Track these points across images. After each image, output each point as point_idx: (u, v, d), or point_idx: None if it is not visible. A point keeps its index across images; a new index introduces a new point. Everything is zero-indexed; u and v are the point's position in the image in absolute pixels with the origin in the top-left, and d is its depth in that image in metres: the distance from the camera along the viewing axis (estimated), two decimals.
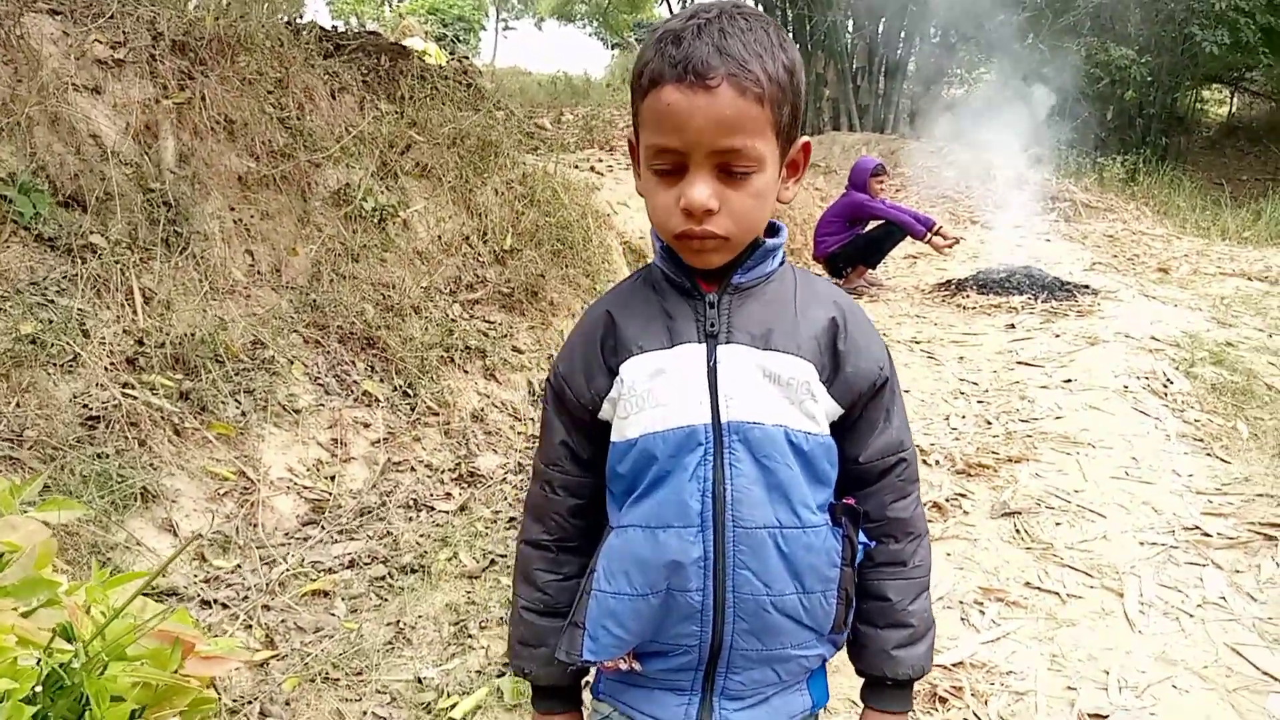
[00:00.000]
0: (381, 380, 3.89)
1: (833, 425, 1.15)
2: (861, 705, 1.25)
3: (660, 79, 1.01)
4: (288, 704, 2.31)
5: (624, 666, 1.17)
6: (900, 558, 1.20)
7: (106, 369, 3.04)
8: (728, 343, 1.10)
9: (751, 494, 1.07)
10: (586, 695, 1.30)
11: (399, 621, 2.72)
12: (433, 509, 3.42)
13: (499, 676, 2.47)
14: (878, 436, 1.18)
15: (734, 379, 1.09)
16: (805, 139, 1.13)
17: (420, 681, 2.46)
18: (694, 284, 1.13)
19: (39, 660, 1.25)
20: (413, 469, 3.63)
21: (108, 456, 2.81)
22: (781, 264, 1.18)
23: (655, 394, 1.10)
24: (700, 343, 1.10)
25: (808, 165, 1.16)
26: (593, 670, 1.26)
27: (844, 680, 2.14)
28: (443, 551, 3.11)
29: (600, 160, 7.86)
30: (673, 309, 1.13)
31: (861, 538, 1.18)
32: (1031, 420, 4.28)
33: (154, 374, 3.14)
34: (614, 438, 1.15)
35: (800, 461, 1.10)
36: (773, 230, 1.16)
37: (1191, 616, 2.71)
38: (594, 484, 1.21)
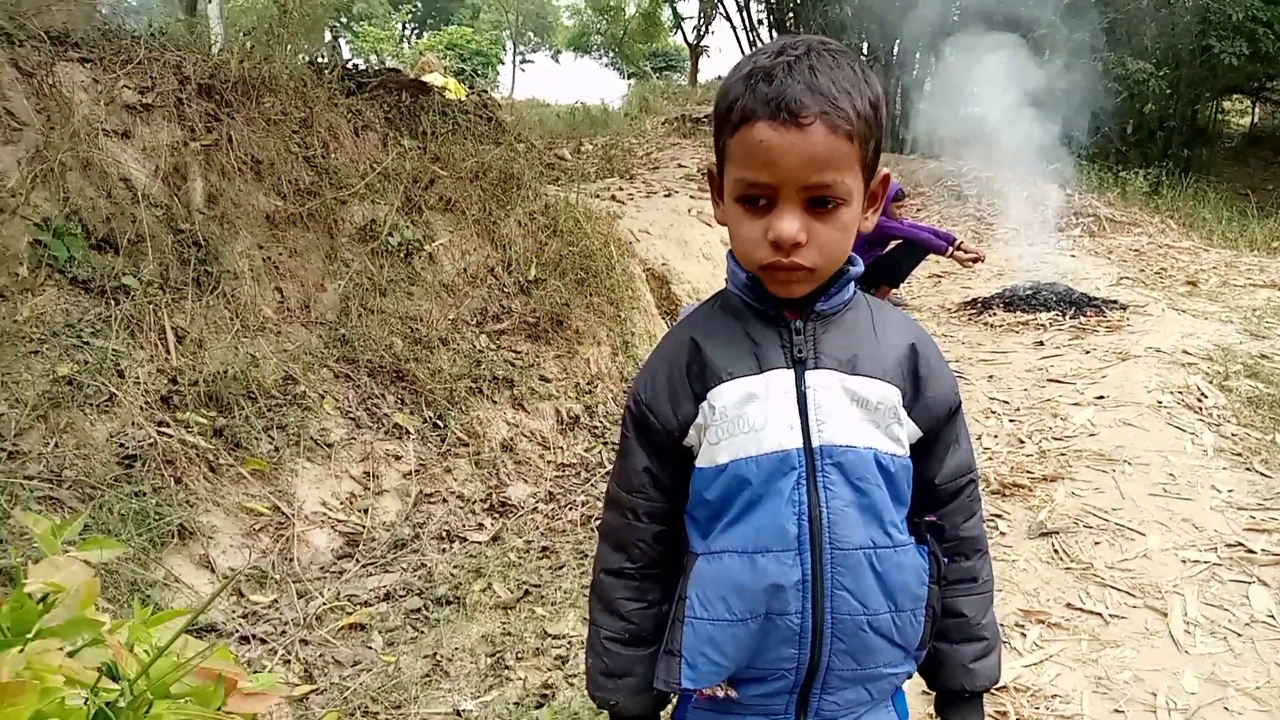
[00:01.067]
0: (411, 412, 3.91)
1: (910, 448, 1.18)
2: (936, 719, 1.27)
3: (752, 116, 1.03)
4: None
5: (720, 694, 1.17)
6: (972, 574, 1.24)
7: (142, 408, 3.07)
8: (816, 368, 1.13)
9: (847, 516, 1.10)
10: None
11: (436, 654, 2.72)
12: (465, 540, 3.42)
13: (537, 708, 2.46)
14: (951, 458, 1.22)
15: (824, 403, 1.11)
16: (884, 170, 1.15)
17: (459, 714, 2.45)
18: (779, 311, 1.15)
19: (86, 700, 1.26)
20: (444, 500, 3.64)
21: (145, 494, 2.84)
22: (855, 292, 1.20)
23: (747, 419, 1.11)
24: (789, 368, 1.13)
25: (885, 195, 1.18)
26: (674, 699, 1.27)
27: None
28: (477, 583, 3.11)
29: (621, 189, 7.90)
30: (758, 335, 1.15)
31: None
32: (1065, 438, 4.23)
33: (188, 412, 3.17)
34: (700, 463, 1.15)
35: (887, 483, 1.12)
36: (849, 260, 1.18)
37: (1240, 635, 2.66)
38: (676, 510, 1.22)
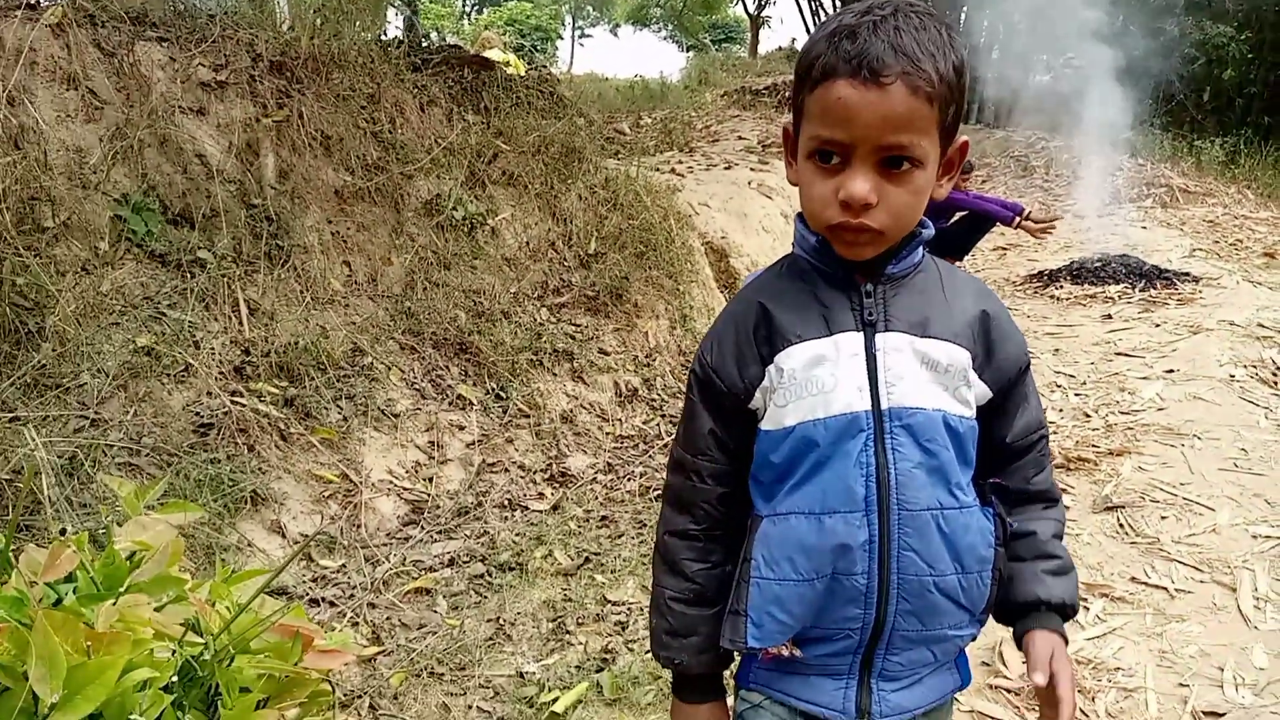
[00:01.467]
0: (474, 384, 3.98)
1: (978, 408, 1.17)
2: (1021, 642, 1.23)
3: (833, 73, 1.02)
4: (395, 698, 2.39)
5: (785, 653, 1.18)
6: (1043, 517, 1.24)
7: (216, 378, 3.17)
8: (886, 330, 1.12)
9: (915, 478, 1.09)
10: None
11: (499, 618, 2.78)
12: (527, 509, 3.49)
13: (598, 671, 2.51)
14: (1021, 416, 1.20)
15: (894, 366, 1.11)
16: (964, 138, 1.13)
17: (522, 676, 2.51)
18: (848, 273, 1.14)
19: (173, 652, 1.32)
20: (506, 470, 3.70)
21: (219, 461, 2.94)
22: (925, 255, 1.20)
23: (815, 382, 1.11)
24: (858, 331, 1.12)
25: (962, 163, 1.16)
26: (737, 659, 1.28)
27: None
28: (538, 550, 3.17)
29: (680, 162, 7.88)
30: (826, 298, 1.14)
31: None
32: (1132, 412, 4.16)
33: (260, 382, 3.27)
34: (766, 426, 1.16)
35: (954, 444, 1.12)
36: (920, 224, 1.17)
37: None
38: (740, 473, 1.21)
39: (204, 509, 2.71)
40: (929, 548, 1.10)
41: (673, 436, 1.32)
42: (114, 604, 1.31)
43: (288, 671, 1.46)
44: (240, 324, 3.39)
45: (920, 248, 1.17)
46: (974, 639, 1.20)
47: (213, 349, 3.24)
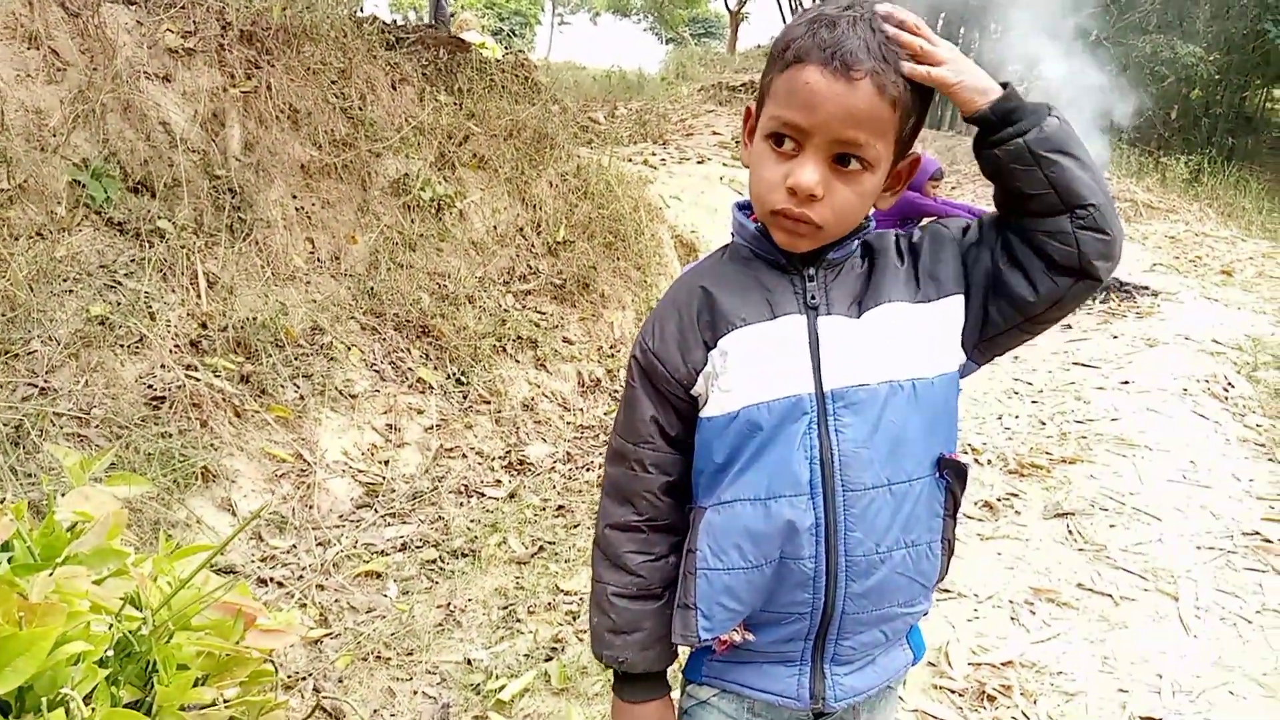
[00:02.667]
0: (435, 368, 3.95)
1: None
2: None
3: (806, 57, 1.01)
4: (340, 681, 2.37)
5: (737, 639, 1.17)
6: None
7: (171, 351, 3.12)
8: (829, 314, 1.11)
9: (860, 456, 1.08)
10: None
11: (449, 604, 2.77)
12: (483, 495, 3.47)
13: (546, 660, 2.50)
14: (989, 226, 1.14)
15: (837, 346, 1.10)
16: (916, 153, 1.13)
17: (469, 663, 2.50)
18: (790, 259, 1.13)
19: (110, 626, 1.30)
20: (464, 455, 3.68)
21: (171, 436, 2.89)
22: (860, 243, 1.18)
23: (759, 365, 1.10)
24: (802, 314, 1.12)
25: (912, 178, 1.15)
26: (684, 654, 1.26)
27: None
28: (492, 537, 3.15)
29: (654, 154, 7.88)
30: (769, 282, 1.14)
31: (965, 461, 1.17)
32: (1087, 421, 4.21)
33: (216, 357, 3.22)
34: (710, 412, 1.14)
35: (912, 409, 1.09)
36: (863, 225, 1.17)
37: (1250, 623, 2.66)
38: (682, 461, 1.20)
39: (152, 483, 2.67)
40: (875, 526, 1.09)
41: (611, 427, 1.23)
42: (50, 575, 1.28)
43: (228, 650, 1.43)
44: (198, 297, 3.34)
45: (854, 239, 1.15)
46: (925, 614, 1.20)
47: (169, 321, 3.19)
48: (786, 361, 1.10)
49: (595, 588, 1.26)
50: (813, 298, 1.12)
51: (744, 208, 1.17)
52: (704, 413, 1.15)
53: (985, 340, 1.15)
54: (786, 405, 1.09)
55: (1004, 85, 1.08)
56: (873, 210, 1.15)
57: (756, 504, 1.10)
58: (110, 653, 1.28)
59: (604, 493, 1.26)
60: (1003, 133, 1.06)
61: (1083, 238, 1.06)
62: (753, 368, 1.11)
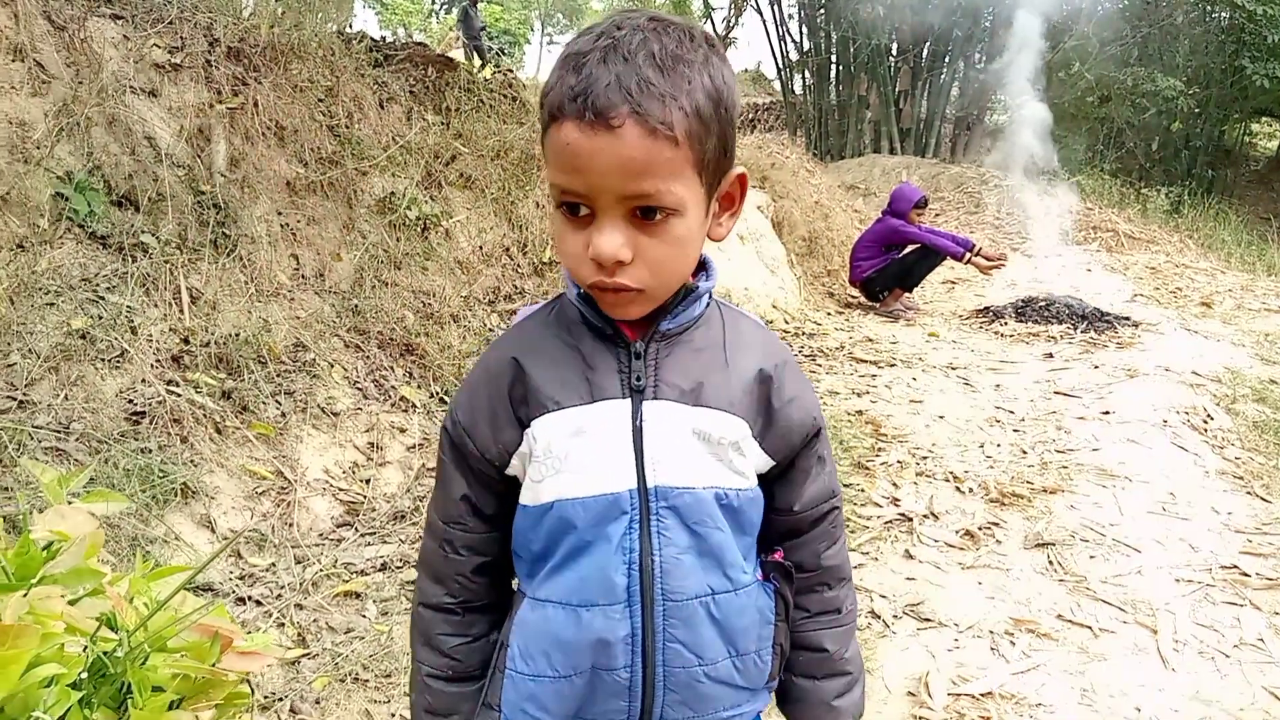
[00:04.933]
0: (419, 386, 3.94)
1: (762, 476, 1.08)
2: None
3: (560, 113, 0.88)
4: (318, 702, 2.34)
5: None
6: (835, 604, 1.15)
7: (153, 366, 3.10)
8: (655, 399, 1.00)
9: (682, 564, 0.99)
10: None
11: None
12: None
13: None
14: (810, 484, 1.10)
15: (662, 440, 0.99)
16: (739, 170, 0.99)
17: None
18: (617, 330, 1.01)
19: (85, 648, 1.28)
20: None
21: (151, 452, 2.87)
22: (709, 304, 1.07)
23: (574, 456, 0.99)
24: (624, 398, 1.00)
25: (744, 197, 1.03)
26: None
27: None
28: None
29: None
30: (592, 358, 1.01)
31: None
32: (1068, 451, 4.24)
33: (198, 372, 3.20)
34: (524, 500, 1.04)
35: (730, 520, 1.02)
36: (703, 267, 1.06)
37: (1228, 657, 2.67)
38: (500, 539, 1.10)
39: (131, 499, 2.64)
40: (697, 637, 1.01)
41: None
42: (24, 595, 1.26)
43: (204, 672, 1.42)
44: (181, 312, 3.32)
45: (701, 300, 1.05)
46: (759, 714, 1.13)
47: (151, 336, 3.17)
48: (605, 454, 0.99)
49: (413, 665, 1.17)
50: (638, 378, 1.00)
51: None
52: (520, 499, 1.05)
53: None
54: (604, 503, 0.98)
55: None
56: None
57: (568, 610, 1.01)
58: (84, 675, 1.27)
59: (418, 565, 1.17)
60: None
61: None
62: (567, 458, 0.99)
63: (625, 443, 0.99)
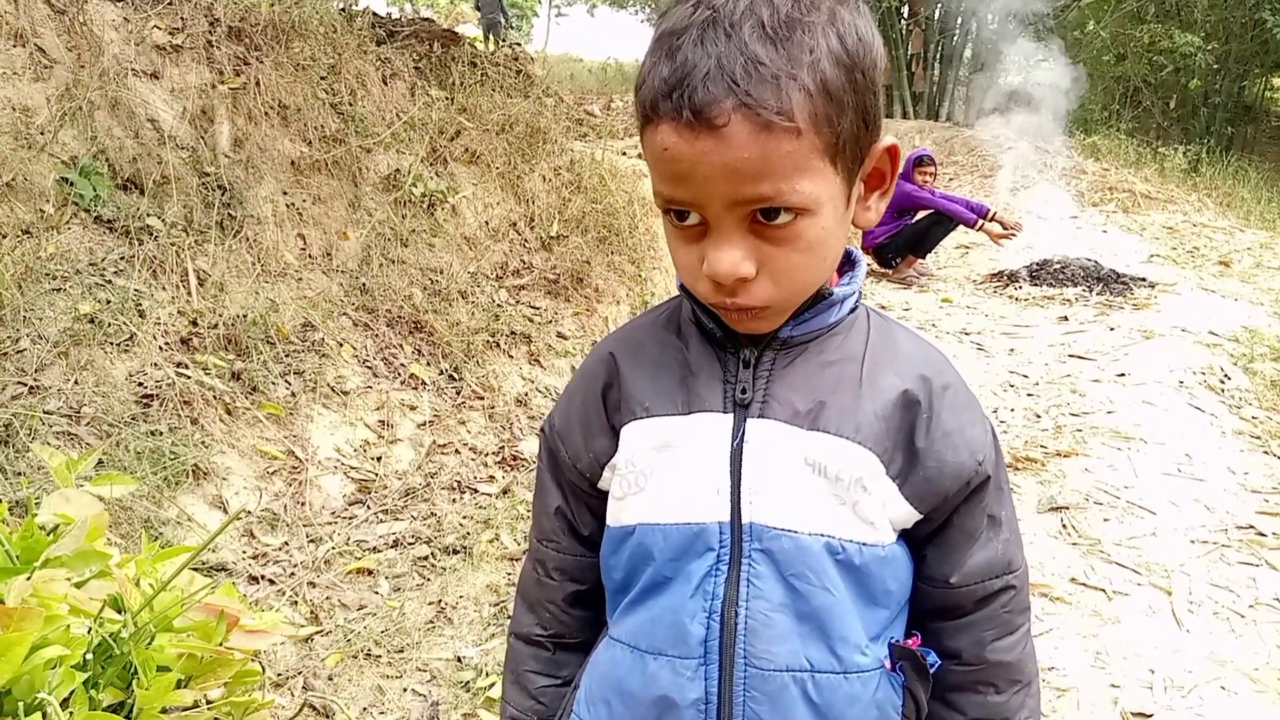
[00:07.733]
0: (428, 364, 3.94)
1: (909, 533, 0.87)
2: None
3: (655, 111, 0.72)
4: (330, 679, 2.36)
5: None
6: (999, 714, 0.90)
7: (161, 348, 3.11)
8: (761, 416, 0.83)
9: (773, 624, 0.81)
10: None
11: (440, 601, 2.76)
12: (476, 491, 3.46)
13: None
14: (975, 550, 0.87)
15: (764, 467, 0.82)
16: (888, 141, 0.81)
17: (460, 660, 2.49)
18: (728, 332, 0.85)
19: (90, 629, 1.29)
20: (457, 451, 3.67)
21: (161, 434, 2.88)
22: (855, 309, 0.89)
23: (657, 474, 0.85)
24: (726, 413, 0.84)
25: (896, 172, 0.83)
26: None
27: None
28: (485, 533, 3.15)
29: None
30: (696, 362, 0.86)
31: (931, 659, 0.88)
32: (1082, 414, 4.20)
33: (207, 354, 3.21)
34: (609, 519, 0.91)
35: (849, 581, 0.82)
36: (849, 264, 0.89)
37: (1243, 617, 2.65)
38: (599, 565, 0.95)
39: (139, 481, 2.66)
40: None
41: None
42: (28, 578, 1.27)
43: (210, 651, 1.43)
44: (189, 294, 3.33)
45: (840, 306, 0.86)
46: None
47: (159, 319, 3.18)
48: (693, 475, 0.83)
49: (501, 703, 1.05)
50: (743, 390, 0.84)
51: None
52: (607, 518, 0.92)
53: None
54: (687, 535, 0.83)
55: None
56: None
57: (636, 655, 0.86)
58: (90, 656, 1.28)
59: (517, 590, 1.06)
60: None
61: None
62: (650, 475, 0.85)
63: (720, 466, 0.83)
